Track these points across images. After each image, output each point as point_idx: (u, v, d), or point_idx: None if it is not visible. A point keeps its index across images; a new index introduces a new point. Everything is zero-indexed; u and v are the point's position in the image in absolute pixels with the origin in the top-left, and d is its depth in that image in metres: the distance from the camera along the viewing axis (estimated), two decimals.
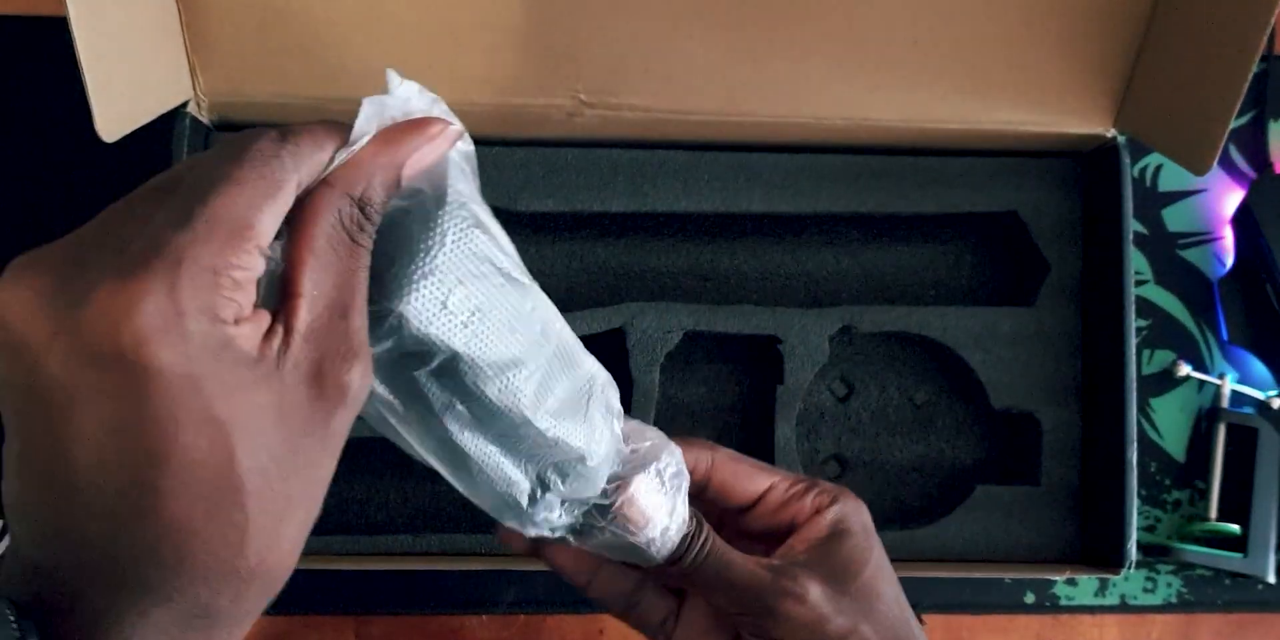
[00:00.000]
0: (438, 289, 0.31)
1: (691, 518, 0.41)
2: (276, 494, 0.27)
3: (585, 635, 0.61)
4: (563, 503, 0.39)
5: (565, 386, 0.37)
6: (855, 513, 0.43)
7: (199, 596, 0.27)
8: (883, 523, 0.59)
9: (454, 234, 0.32)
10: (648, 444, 0.41)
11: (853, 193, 0.59)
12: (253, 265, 0.27)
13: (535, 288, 0.36)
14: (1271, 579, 0.61)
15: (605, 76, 0.55)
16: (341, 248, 0.29)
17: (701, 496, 0.44)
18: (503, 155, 0.58)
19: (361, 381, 0.29)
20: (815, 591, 0.39)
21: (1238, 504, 0.62)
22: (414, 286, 0.31)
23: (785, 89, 0.56)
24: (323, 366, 0.28)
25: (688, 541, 0.40)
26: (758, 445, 0.60)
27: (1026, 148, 0.59)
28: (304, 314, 0.28)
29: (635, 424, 0.42)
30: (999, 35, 0.55)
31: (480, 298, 0.33)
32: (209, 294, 0.25)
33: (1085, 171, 0.60)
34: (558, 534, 0.40)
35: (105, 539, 0.26)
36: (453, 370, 0.33)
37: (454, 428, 0.35)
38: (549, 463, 0.38)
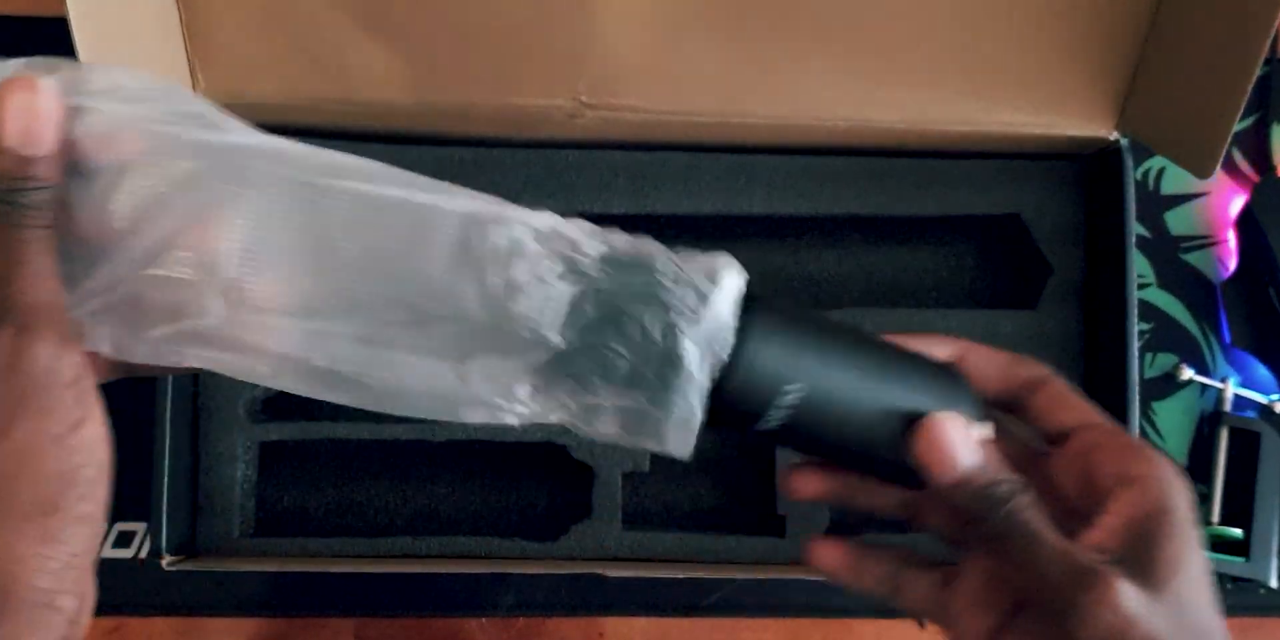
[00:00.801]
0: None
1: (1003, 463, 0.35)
2: None
3: (585, 637, 0.61)
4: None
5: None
6: (1181, 491, 0.36)
7: None
8: (883, 526, 0.59)
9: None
10: None
11: (854, 194, 0.59)
12: None
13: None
14: (1274, 583, 0.61)
15: (606, 78, 0.55)
16: None
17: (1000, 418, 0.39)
18: (504, 156, 0.57)
19: (15, 343, 0.29)
20: (1129, 596, 0.33)
21: (1240, 508, 0.62)
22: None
23: (786, 90, 0.55)
24: None
25: (999, 493, 0.34)
26: (758, 447, 0.60)
27: (1029, 150, 0.59)
28: None
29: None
30: (1002, 37, 0.55)
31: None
32: None
33: (1088, 174, 0.60)
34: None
35: None
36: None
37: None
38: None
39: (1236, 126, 0.49)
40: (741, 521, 0.60)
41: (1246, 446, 0.62)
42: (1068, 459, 0.38)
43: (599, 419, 0.33)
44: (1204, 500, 0.63)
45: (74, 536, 0.30)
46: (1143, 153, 0.64)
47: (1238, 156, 0.66)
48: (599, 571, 0.55)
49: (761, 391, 0.33)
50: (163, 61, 0.53)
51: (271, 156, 0.34)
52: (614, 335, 0.32)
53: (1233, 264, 0.65)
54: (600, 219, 0.58)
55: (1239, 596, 0.62)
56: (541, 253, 0.33)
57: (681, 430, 0.33)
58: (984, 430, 0.35)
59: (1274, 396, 0.63)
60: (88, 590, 0.31)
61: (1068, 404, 0.38)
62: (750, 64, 0.55)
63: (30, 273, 0.29)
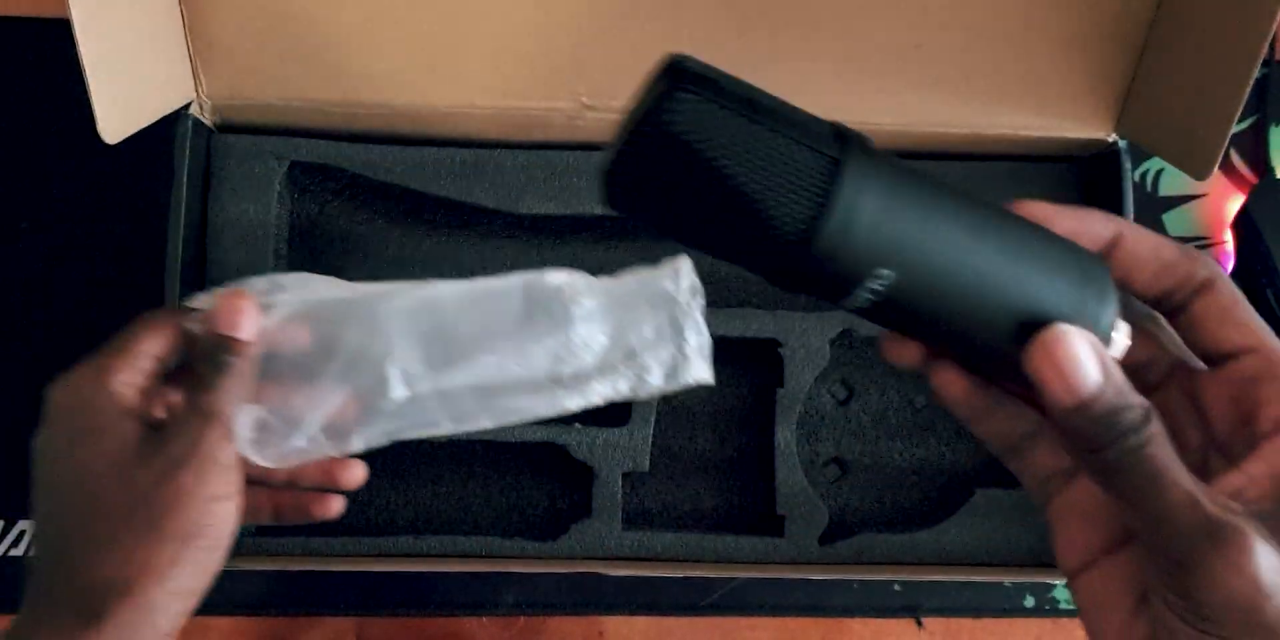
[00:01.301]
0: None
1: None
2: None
3: (585, 637, 0.61)
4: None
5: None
6: None
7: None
8: (882, 526, 0.59)
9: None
10: None
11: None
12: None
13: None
14: None
15: (607, 80, 0.55)
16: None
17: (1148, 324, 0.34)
18: (504, 158, 0.58)
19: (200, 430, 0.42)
20: (1265, 561, 0.28)
21: None
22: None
23: (786, 93, 0.55)
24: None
25: (1124, 422, 0.29)
26: (758, 448, 0.60)
27: (1027, 152, 0.59)
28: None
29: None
30: (1000, 40, 0.55)
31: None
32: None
33: (1086, 176, 0.60)
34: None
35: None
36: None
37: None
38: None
39: (1234, 128, 0.50)
40: (741, 521, 0.60)
41: None
42: (1225, 384, 0.32)
43: (648, 376, 0.46)
44: None
45: (190, 573, 0.40)
46: (1141, 154, 0.64)
47: (1236, 158, 0.66)
48: (599, 571, 0.55)
49: (847, 266, 0.28)
50: (165, 63, 0.53)
51: (390, 291, 0.47)
52: (634, 318, 0.46)
53: (1230, 265, 0.65)
54: (601, 221, 0.59)
55: None
56: (570, 286, 0.46)
57: (700, 356, 0.45)
58: (1119, 338, 0.31)
59: None
60: (178, 626, 0.41)
61: (1235, 318, 0.32)
62: (750, 65, 0.55)
63: (225, 389, 0.42)
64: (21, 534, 0.60)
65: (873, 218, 0.28)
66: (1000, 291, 0.29)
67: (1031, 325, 0.29)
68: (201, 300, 0.45)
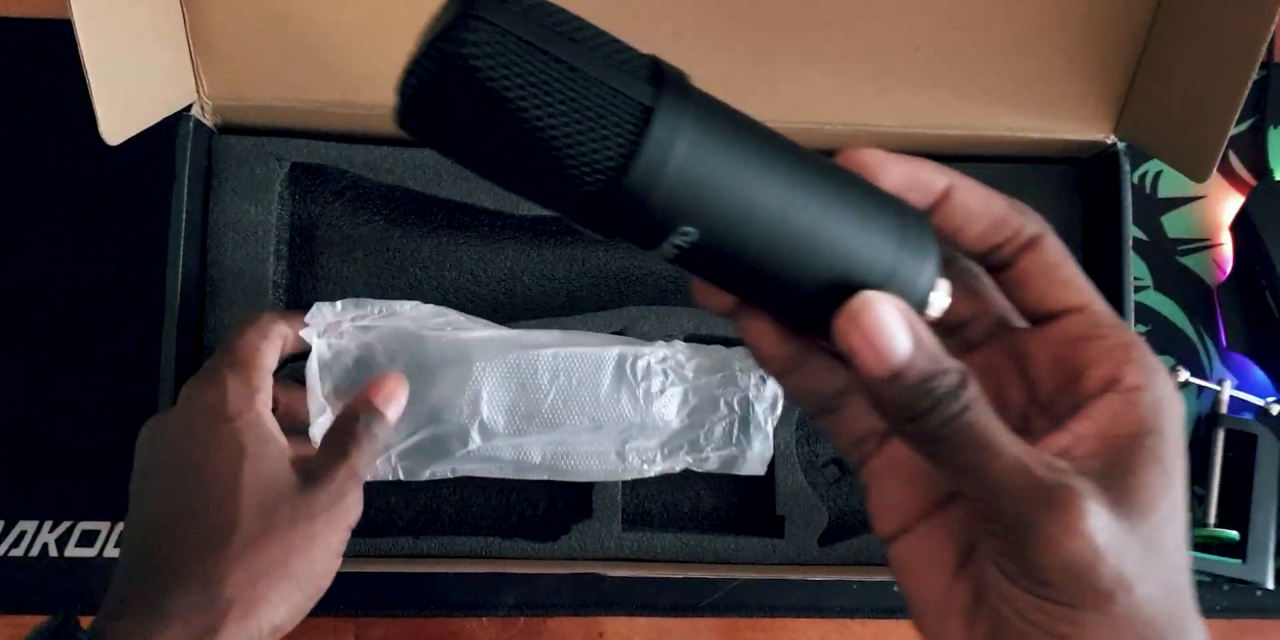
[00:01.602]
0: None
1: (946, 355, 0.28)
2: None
3: (586, 638, 0.61)
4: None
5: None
6: (1176, 415, 0.30)
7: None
8: None
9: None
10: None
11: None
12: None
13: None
14: (1270, 585, 0.61)
15: None
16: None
17: (974, 285, 0.33)
18: None
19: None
20: (1099, 522, 0.27)
21: (1236, 510, 0.62)
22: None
23: (786, 94, 0.56)
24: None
25: (940, 389, 0.27)
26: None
27: (1027, 154, 0.59)
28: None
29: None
30: (1000, 41, 0.55)
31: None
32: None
33: (1085, 177, 0.60)
34: None
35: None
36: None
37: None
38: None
39: (1233, 130, 0.50)
40: (741, 522, 0.60)
41: (1243, 448, 0.62)
42: (1050, 343, 0.31)
43: (705, 464, 0.55)
44: (1200, 502, 0.63)
45: (288, 613, 0.43)
46: (1140, 156, 0.64)
47: (1234, 160, 0.66)
48: (599, 572, 0.55)
49: (654, 217, 0.26)
50: (166, 64, 0.53)
51: (491, 341, 0.53)
52: (710, 412, 0.54)
53: (1229, 267, 0.65)
54: None
55: (1235, 598, 0.63)
56: (660, 370, 0.53)
57: (759, 461, 0.55)
58: (938, 298, 0.29)
59: (1270, 399, 0.63)
60: None
61: (1062, 276, 0.31)
62: (750, 68, 0.55)
63: (369, 452, 0.47)
64: (21, 535, 0.60)
65: (682, 169, 0.26)
66: (812, 250, 0.28)
67: (842, 287, 0.28)
68: (320, 314, 0.51)
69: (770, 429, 0.54)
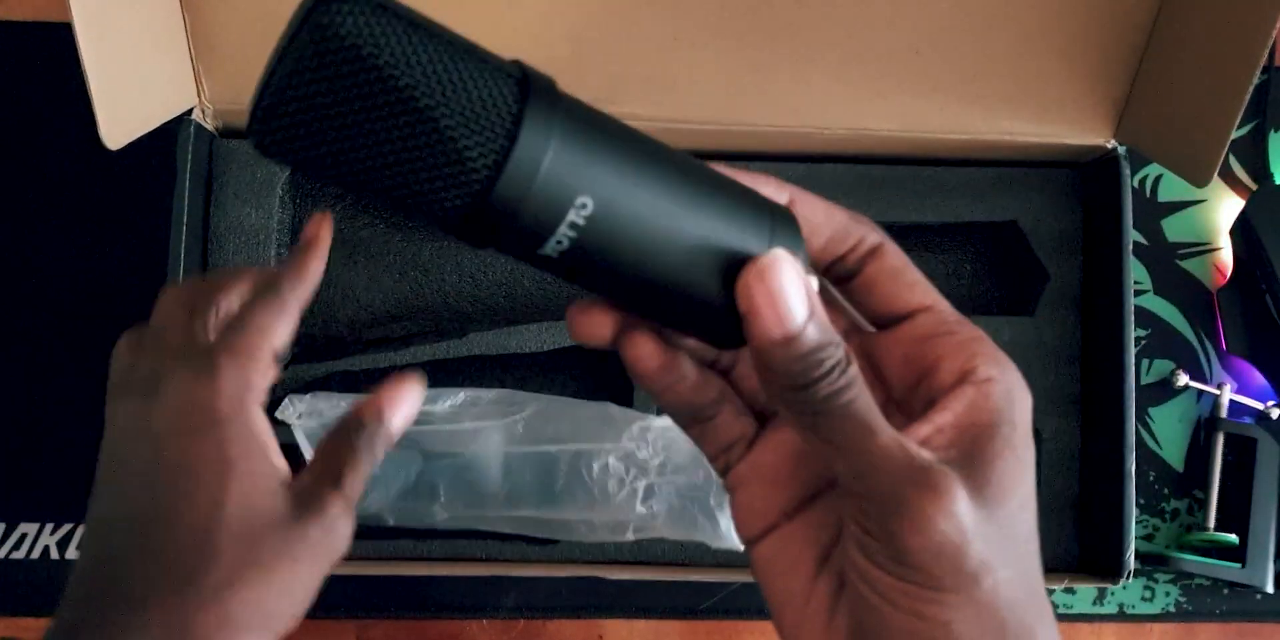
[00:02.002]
0: None
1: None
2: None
3: None
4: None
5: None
6: (1025, 406, 0.31)
7: None
8: None
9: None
10: None
11: (853, 202, 0.59)
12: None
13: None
14: (1269, 589, 0.61)
15: (607, 85, 0.55)
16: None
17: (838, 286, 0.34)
18: None
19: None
20: (964, 507, 0.28)
21: (1236, 514, 0.62)
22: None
23: (786, 98, 0.56)
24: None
25: (829, 360, 0.28)
26: None
27: (1027, 158, 0.59)
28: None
29: None
30: (1000, 46, 0.55)
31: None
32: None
33: (1085, 182, 0.60)
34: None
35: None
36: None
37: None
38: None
39: (1234, 134, 0.50)
40: None
41: (1242, 452, 0.62)
42: (901, 343, 0.32)
43: (680, 538, 0.56)
44: (1200, 506, 0.63)
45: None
46: (1140, 160, 0.64)
47: (1235, 164, 0.66)
48: (599, 574, 0.55)
49: (542, 203, 0.26)
50: (167, 69, 0.53)
51: (452, 435, 0.55)
52: (674, 500, 0.55)
53: (1229, 271, 0.65)
54: None
55: (1234, 602, 0.63)
56: (621, 467, 0.55)
57: (735, 535, 0.52)
58: (813, 284, 0.29)
59: (1270, 403, 0.63)
60: None
61: (906, 279, 0.32)
62: (750, 72, 0.55)
63: (365, 474, 0.39)
64: (22, 537, 0.60)
65: (565, 148, 0.26)
66: (699, 234, 0.28)
67: (734, 263, 0.28)
68: (292, 406, 0.52)
69: (732, 533, 0.54)
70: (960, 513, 0.28)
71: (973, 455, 0.29)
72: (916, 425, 0.30)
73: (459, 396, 0.55)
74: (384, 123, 0.24)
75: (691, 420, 0.33)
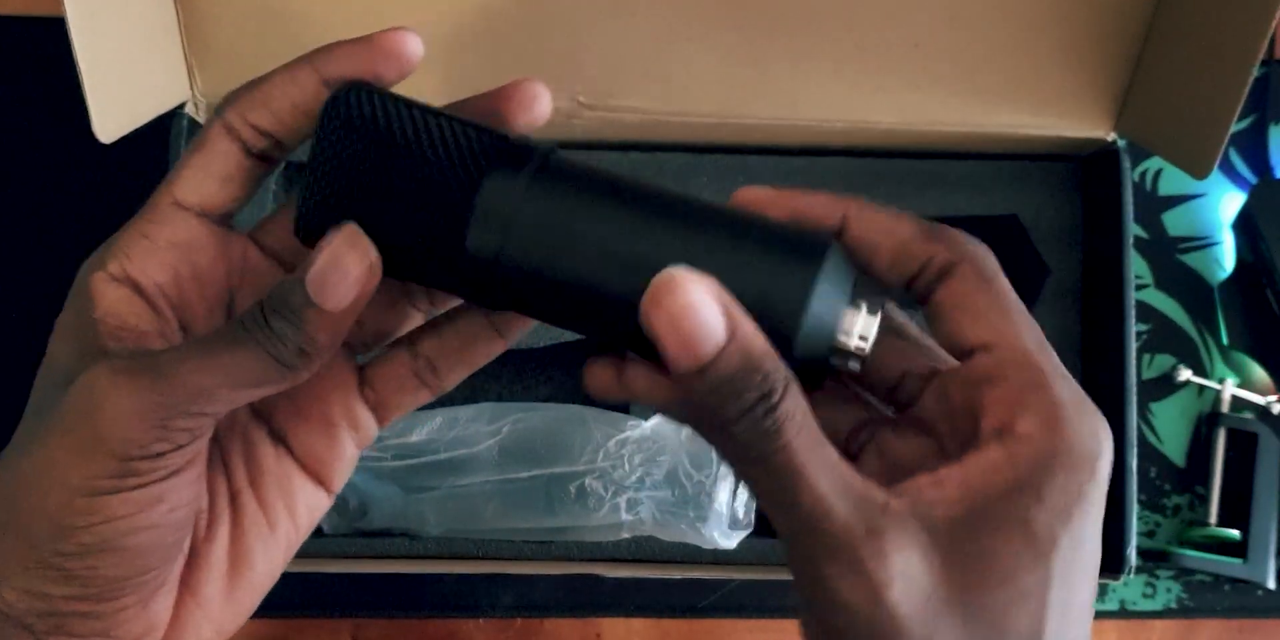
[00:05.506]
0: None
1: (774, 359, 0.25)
2: None
3: (583, 639, 0.61)
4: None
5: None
6: (1071, 468, 0.25)
7: None
8: None
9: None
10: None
11: (852, 195, 0.59)
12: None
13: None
14: (1272, 585, 0.61)
15: (604, 78, 0.55)
16: None
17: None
18: None
19: None
20: (908, 587, 0.23)
21: (1238, 509, 0.62)
22: None
23: (784, 91, 0.55)
24: None
25: (750, 394, 0.23)
26: None
27: (1027, 151, 0.59)
28: None
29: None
30: (1000, 38, 0.55)
31: None
32: None
33: (1085, 175, 0.60)
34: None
35: None
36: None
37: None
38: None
39: (1234, 127, 0.49)
40: None
41: (1244, 447, 0.62)
42: (959, 387, 0.27)
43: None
44: (1202, 502, 0.63)
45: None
46: (1140, 153, 0.64)
47: (1235, 157, 0.66)
48: (597, 572, 0.55)
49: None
50: (160, 62, 0.53)
51: (432, 471, 0.56)
52: (655, 510, 0.55)
53: (1230, 265, 0.65)
54: None
55: (1236, 598, 0.62)
56: (599, 486, 0.55)
57: (724, 539, 0.55)
58: (854, 323, 0.26)
59: (1271, 398, 0.63)
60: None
61: (970, 309, 0.27)
62: (748, 64, 0.55)
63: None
64: None
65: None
66: (634, 246, 0.26)
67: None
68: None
69: (724, 511, 0.54)
70: (892, 596, 0.23)
71: (967, 525, 0.24)
72: (923, 474, 0.25)
73: (435, 421, 0.55)
74: (401, 184, 0.29)
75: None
